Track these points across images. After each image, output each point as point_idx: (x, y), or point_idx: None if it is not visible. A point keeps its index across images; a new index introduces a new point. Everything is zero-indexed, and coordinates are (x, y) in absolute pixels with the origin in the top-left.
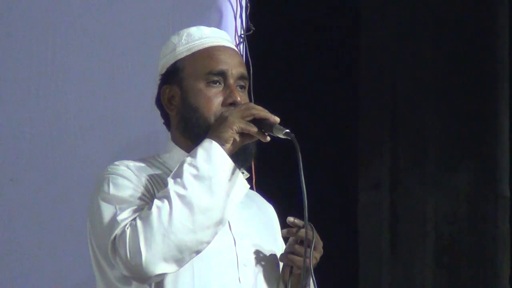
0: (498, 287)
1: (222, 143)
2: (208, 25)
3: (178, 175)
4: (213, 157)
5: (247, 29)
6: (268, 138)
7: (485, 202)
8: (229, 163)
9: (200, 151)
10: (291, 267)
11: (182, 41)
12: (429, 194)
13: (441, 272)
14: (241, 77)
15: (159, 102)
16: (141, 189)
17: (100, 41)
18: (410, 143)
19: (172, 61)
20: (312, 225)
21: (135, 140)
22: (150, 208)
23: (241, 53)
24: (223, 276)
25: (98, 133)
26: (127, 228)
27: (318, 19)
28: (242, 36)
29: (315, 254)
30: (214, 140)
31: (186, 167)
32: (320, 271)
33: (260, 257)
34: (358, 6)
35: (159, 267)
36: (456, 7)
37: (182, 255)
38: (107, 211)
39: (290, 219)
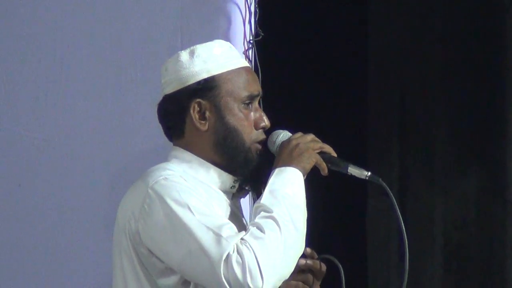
0: None
1: (304, 173)
2: (217, 30)
3: (276, 202)
4: (301, 188)
5: (256, 35)
6: (327, 173)
7: (494, 207)
8: (304, 195)
9: (293, 180)
10: None
11: (213, 56)
12: (437, 199)
13: (450, 277)
14: (260, 99)
15: (177, 111)
16: (206, 202)
17: (108, 47)
18: (418, 149)
19: (204, 75)
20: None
21: (145, 145)
22: (262, 231)
23: (250, 59)
24: None
25: (106, 139)
26: (242, 249)
27: (326, 24)
28: (251, 41)
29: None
30: (300, 170)
31: (283, 195)
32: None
33: None
34: (367, 10)
35: None
36: (465, 11)
37: (279, 284)
38: (192, 222)
39: (308, 250)
